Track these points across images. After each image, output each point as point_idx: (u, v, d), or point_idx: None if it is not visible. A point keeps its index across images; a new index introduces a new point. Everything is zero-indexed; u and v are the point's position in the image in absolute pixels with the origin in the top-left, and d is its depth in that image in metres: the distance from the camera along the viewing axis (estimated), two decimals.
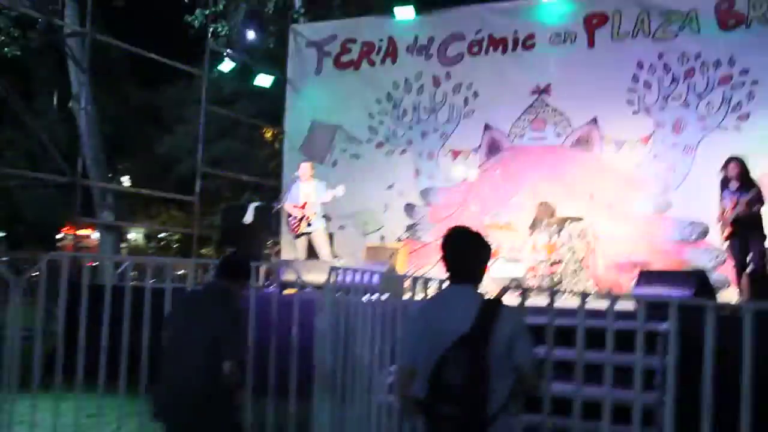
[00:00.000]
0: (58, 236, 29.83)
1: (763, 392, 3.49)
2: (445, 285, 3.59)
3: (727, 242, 9.23)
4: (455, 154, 13.10)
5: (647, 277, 8.78)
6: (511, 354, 3.25)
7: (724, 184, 9.20)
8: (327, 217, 11.94)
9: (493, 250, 11.60)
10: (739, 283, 8.97)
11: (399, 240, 12.70)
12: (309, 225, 11.16)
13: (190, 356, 4.45)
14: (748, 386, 3.52)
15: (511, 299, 4.16)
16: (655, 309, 4.74)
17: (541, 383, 3.47)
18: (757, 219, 9.03)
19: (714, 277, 9.82)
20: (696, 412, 3.64)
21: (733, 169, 9.05)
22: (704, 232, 11.01)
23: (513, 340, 3.26)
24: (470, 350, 3.17)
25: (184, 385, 4.44)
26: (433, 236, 12.75)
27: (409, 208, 13.24)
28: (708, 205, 10.20)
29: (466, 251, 3.52)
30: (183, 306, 4.94)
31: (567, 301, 7.15)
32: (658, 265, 10.86)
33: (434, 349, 3.21)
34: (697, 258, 11.04)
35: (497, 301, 3.43)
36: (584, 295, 4.23)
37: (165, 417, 4.59)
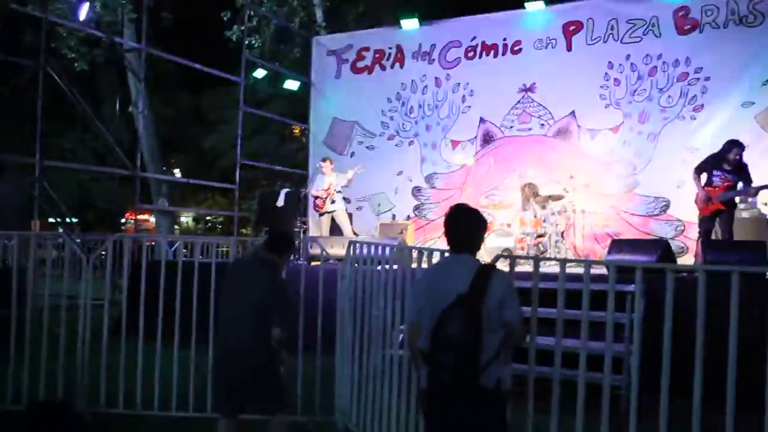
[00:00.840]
0: (122, 221, 30.03)
1: (714, 341, 3.47)
2: (447, 255, 3.60)
3: (706, 215, 8.80)
4: (455, 144, 13.07)
5: (618, 245, 8.75)
6: (502, 311, 3.27)
7: (718, 162, 8.72)
8: (347, 200, 12.04)
9: (486, 225, 11.56)
10: (696, 251, 8.87)
11: (408, 218, 12.73)
12: (333, 203, 11.33)
13: (242, 318, 4.41)
14: (701, 337, 3.51)
15: (502, 266, 4.16)
16: (625, 272, 4.72)
17: (526, 336, 3.47)
18: (734, 199, 8.87)
19: (674, 244, 9.80)
20: (658, 360, 3.62)
21: (736, 154, 8.56)
22: (666, 207, 11.01)
23: (503, 299, 3.28)
24: (467, 307, 3.20)
25: (237, 343, 4.41)
26: (436, 214, 12.79)
27: (416, 190, 13.24)
28: (669, 183, 10.16)
29: (466, 225, 3.54)
30: (234, 272, 4.78)
31: (550, 268, 7.16)
32: (627, 235, 10.85)
33: (436, 307, 3.25)
34: (660, 229, 11.03)
35: (491, 266, 3.45)
36: (563, 262, 4.21)
37: (222, 372, 4.59)
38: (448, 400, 3.30)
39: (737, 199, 9.85)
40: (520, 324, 3.36)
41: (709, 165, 8.82)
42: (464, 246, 3.50)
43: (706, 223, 8.86)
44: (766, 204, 10.06)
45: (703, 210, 8.83)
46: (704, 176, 8.81)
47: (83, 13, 13.14)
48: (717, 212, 8.71)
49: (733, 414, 3.36)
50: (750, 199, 9.91)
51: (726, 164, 8.64)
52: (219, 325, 4.71)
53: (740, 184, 8.61)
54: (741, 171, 8.62)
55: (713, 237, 8.85)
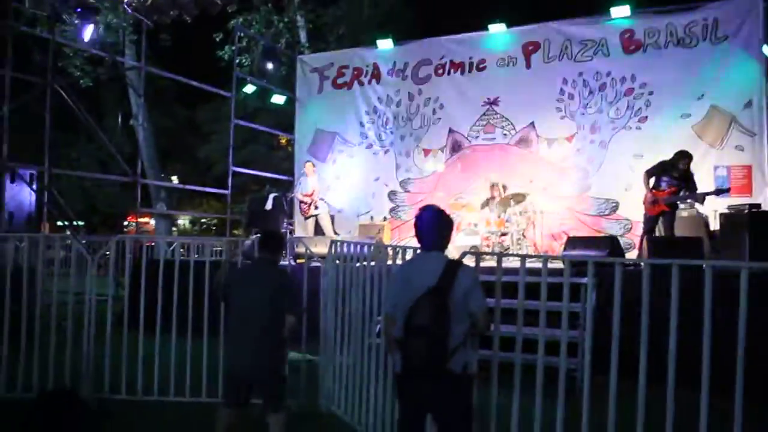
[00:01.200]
0: (124, 223, 29.72)
1: (657, 327, 3.51)
2: (418, 252, 3.61)
3: (652, 215, 8.96)
4: (426, 152, 13.06)
5: (573, 242, 8.82)
6: (467, 302, 3.28)
7: (667, 169, 8.87)
8: (329, 203, 12.04)
9: (455, 225, 11.63)
10: (641, 247, 8.98)
11: (384, 219, 12.74)
12: (316, 208, 11.42)
13: (254, 318, 4.27)
14: (647, 323, 3.55)
15: (469, 261, 4.17)
16: (579, 266, 4.75)
17: (490, 325, 3.49)
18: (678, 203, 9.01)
19: (623, 241, 9.89)
20: (608, 345, 3.66)
21: (685, 164, 8.78)
22: (615, 207, 11.09)
23: (469, 291, 3.30)
24: (436, 298, 3.22)
25: (251, 341, 4.26)
26: (410, 216, 12.78)
27: (392, 194, 13.22)
28: (618, 187, 10.26)
29: (434, 225, 3.54)
30: (242, 278, 4.62)
31: (512, 263, 7.19)
32: (581, 233, 10.89)
33: (409, 299, 3.27)
34: (610, 227, 11.11)
35: (458, 261, 3.47)
36: (524, 258, 4.24)
37: (235, 367, 4.44)
38: (419, 382, 3.31)
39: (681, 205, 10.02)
40: (484, 314, 3.37)
41: (658, 170, 8.98)
42: (433, 244, 3.52)
43: (650, 222, 9.01)
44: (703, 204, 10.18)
45: (650, 210, 8.96)
46: (653, 180, 8.95)
47: (87, 34, 12.99)
48: (661, 213, 8.85)
49: (673, 391, 3.40)
50: (688, 200, 10.05)
51: (675, 172, 8.84)
52: (230, 324, 4.56)
53: (682, 192, 8.83)
54: (688, 180, 8.83)
55: (657, 234, 8.96)
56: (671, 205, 8.80)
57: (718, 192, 8.88)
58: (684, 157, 8.85)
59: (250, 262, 5.03)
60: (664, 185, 8.83)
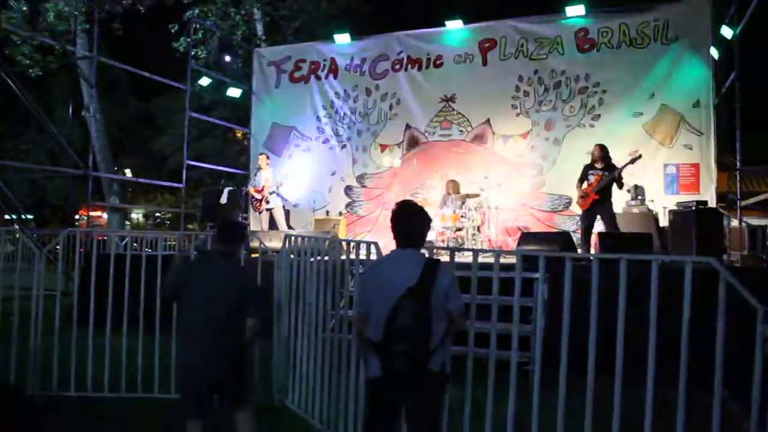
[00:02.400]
0: (76, 217, 29.05)
1: (605, 320, 3.57)
2: (393, 249, 3.51)
3: (584, 210, 9.21)
4: (383, 147, 13.08)
5: (527, 237, 8.92)
6: (447, 302, 3.26)
7: (591, 165, 9.20)
8: (282, 197, 11.98)
9: None
10: (587, 242, 9.12)
11: (340, 214, 12.72)
12: (267, 203, 11.36)
13: (213, 317, 3.83)
14: (595, 317, 3.61)
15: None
16: (532, 261, 4.80)
17: (466, 323, 3.45)
18: (611, 192, 9.13)
19: (576, 237, 10.02)
20: (560, 339, 3.71)
21: (597, 152, 9.13)
22: (568, 203, 11.28)
23: (448, 291, 3.28)
24: (417, 299, 3.17)
25: (212, 343, 3.83)
26: (367, 211, 12.81)
27: (348, 189, 13.20)
28: (571, 183, 10.36)
29: (411, 221, 3.47)
30: (195, 274, 4.05)
31: (466, 258, 7.24)
32: (535, 228, 11.07)
33: (387, 300, 3.20)
34: (563, 223, 11.31)
35: (437, 260, 3.41)
36: (476, 252, 4.26)
37: (193, 373, 3.93)
38: (399, 386, 3.26)
39: (629, 197, 10.21)
40: (462, 313, 3.37)
41: (584, 172, 9.27)
42: (410, 241, 3.45)
43: (585, 221, 9.24)
44: (652, 201, 10.43)
45: (582, 205, 9.22)
46: (585, 184, 9.16)
47: None
48: (593, 204, 9.05)
49: (621, 382, 3.47)
50: (639, 197, 10.27)
51: (597, 164, 9.14)
52: (183, 326, 4.03)
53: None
54: (611, 169, 9.04)
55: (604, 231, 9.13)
56: (600, 191, 8.99)
57: (632, 161, 9.10)
58: (595, 147, 9.27)
59: (204, 255, 4.43)
60: (591, 178, 9.13)
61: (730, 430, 3.32)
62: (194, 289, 3.93)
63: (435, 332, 3.19)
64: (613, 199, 9.27)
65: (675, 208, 9.53)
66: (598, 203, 9.01)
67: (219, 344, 3.84)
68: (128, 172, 29.58)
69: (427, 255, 3.49)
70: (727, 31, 10.53)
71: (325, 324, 5.12)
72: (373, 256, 4.77)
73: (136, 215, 36.90)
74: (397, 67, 13.07)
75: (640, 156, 9.35)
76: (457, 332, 3.47)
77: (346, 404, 4.68)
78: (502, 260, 4.28)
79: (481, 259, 4.29)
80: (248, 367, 4.18)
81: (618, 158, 9.42)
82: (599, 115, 11.37)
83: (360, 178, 13.16)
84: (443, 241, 10.60)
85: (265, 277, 6.21)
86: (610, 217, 8.99)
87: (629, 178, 9.62)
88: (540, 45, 11.87)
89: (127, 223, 31.69)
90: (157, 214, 36.11)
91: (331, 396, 4.91)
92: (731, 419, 3.34)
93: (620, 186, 9.12)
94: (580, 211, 10.66)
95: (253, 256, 7.96)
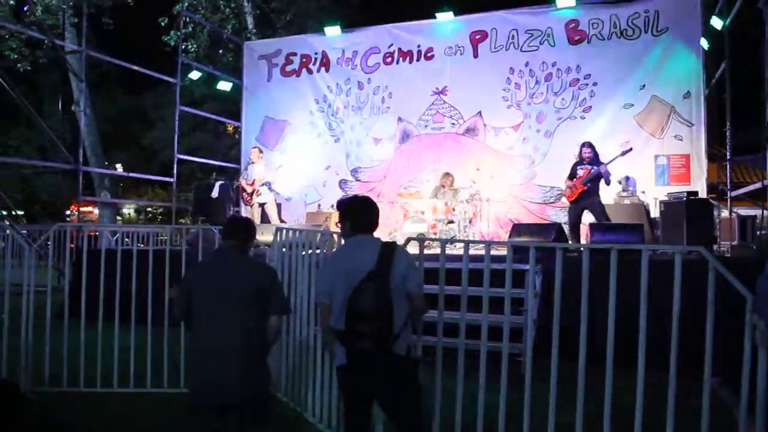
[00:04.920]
0: (66, 213, 28.94)
1: (597, 310, 3.59)
2: (350, 238, 3.55)
3: (571, 201, 9.30)
4: (376, 141, 13.06)
5: (518, 229, 8.94)
6: (405, 283, 3.30)
7: (578, 163, 9.28)
8: (275, 191, 11.96)
9: (403, 213, 11.57)
10: (576, 235, 9.17)
11: (332, 207, 12.69)
12: (259, 195, 11.37)
13: (231, 325, 3.40)
14: (586, 306, 3.62)
15: (413, 249, 4.19)
16: (523, 252, 4.81)
17: (426, 305, 3.47)
18: (598, 186, 9.20)
19: (567, 228, 10.04)
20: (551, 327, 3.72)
21: (586, 153, 9.17)
22: (560, 195, 11.24)
23: (406, 272, 3.33)
24: (377, 282, 3.23)
25: (229, 359, 3.36)
26: None
27: (343, 183, 13.19)
28: (562, 175, 10.39)
29: (370, 211, 3.56)
30: (207, 276, 3.59)
31: (459, 250, 7.25)
32: (527, 220, 11.07)
33: (348, 285, 3.25)
34: (555, 214, 11.34)
35: (393, 243, 3.48)
36: (467, 243, 4.27)
37: (209, 394, 3.42)
38: (365, 370, 3.29)
39: (620, 188, 10.25)
40: (420, 294, 3.40)
41: (573, 168, 9.35)
42: (367, 227, 3.52)
43: (572, 211, 9.32)
44: (644, 192, 10.47)
45: (569, 196, 9.30)
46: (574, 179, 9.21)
47: None
48: (581, 195, 9.11)
49: (612, 370, 3.49)
50: (630, 188, 10.30)
51: (585, 162, 9.20)
52: (196, 336, 3.55)
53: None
54: (598, 163, 9.12)
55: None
56: (589, 183, 9.05)
57: (624, 153, 9.22)
58: (582, 146, 9.32)
59: (214, 255, 3.86)
60: (580, 172, 9.20)
61: (720, 417, 3.34)
62: (205, 292, 3.50)
63: (397, 315, 3.24)
64: (605, 191, 9.33)
65: (666, 198, 9.54)
66: (585, 195, 9.07)
67: (242, 356, 3.39)
68: (119, 167, 29.48)
69: (382, 240, 3.51)
70: (717, 22, 10.58)
71: (315, 317, 5.12)
72: None
73: (128, 210, 36.81)
74: (389, 60, 13.05)
75: (630, 149, 9.40)
76: (420, 314, 3.49)
77: (339, 396, 4.68)
78: (494, 252, 4.29)
79: (472, 251, 4.30)
80: (268, 378, 3.66)
81: (609, 149, 9.48)
82: (590, 107, 11.39)
83: (354, 172, 13.15)
84: (435, 233, 10.60)
85: None
86: (599, 208, 9.06)
87: (620, 167, 9.65)
88: (531, 37, 11.86)
89: (119, 218, 31.60)
90: (149, 209, 36.03)
91: (323, 388, 4.93)
92: (721, 406, 3.36)
93: (608, 183, 9.24)
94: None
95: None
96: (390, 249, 3.38)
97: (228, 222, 3.90)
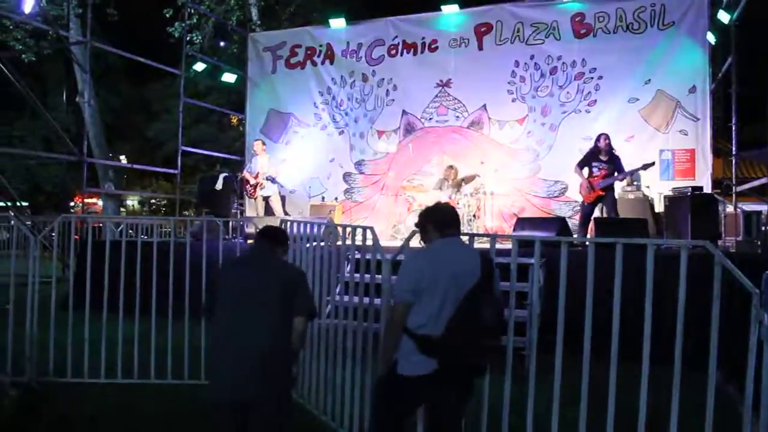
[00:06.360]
0: (71, 204, 29.00)
1: (602, 305, 3.58)
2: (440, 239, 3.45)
3: (588, 202, 9.25)
4: (380, 133, 13.03)
5: (523, 223, 8.94)
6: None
7: (595, 155, 9.22)
8: (279, 184, 11.97)
9: (407, 205, 11.58)
10: (585, 228, 9.17)
11: (336, 200, 12.70)
12: (262, 188, 11.39)
13: (259, 326, 3.34)
14: (591, 301, 3.61)
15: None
16: (528, 246, 4.81)
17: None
18: (614, 186, 9.25)
19: (572, 223, 10.05)
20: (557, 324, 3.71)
21: (603, 141, 9.13)
22: (564, 189, 11.28)
23: (497, 281, 3.37)
24: (489, 294, 3.21)
25: (253, 360, 3.29)
26: (364, 197, 12.80)
27: (347, 175, 13.15)
28: (567, 169, 10.40)
29: (451, 211, 3.56)
30: (233, 270, 3.64)
31: None
32: (531, 214, 11.06)
33: (457, 288, 3.16)
34: (559, 208, 11.31)
35: (488, 252, 3.58)
36: (471, 237, 4.26)
37: (229, 397, 3.35)
38: (462, 382, 3.25)
39: (624, 183, 10.22)
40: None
41: (587, 159, 9.32)
42: (455, 228, 3.46)
43: (586, 209, 9.32)
44: (648, 186, 10.45)
45: (587, 197, 9.24)
46: (586, 170, 9.20)
47: (28, 5, 12.55)
48: (597, 199, 9.16)
49: (616, 365, 3.48)
50: (635, 183, 10.29)
51: (601, 155, 9.17)
52: (218, 336, 3.45)
53: (615, 173, 9.13)
54: (614, 161, 9.15)
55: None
56: (606, 188, 9.08)
57: (645, 167, 9.11)
58: (600, 135, 9.28)
59: (241, 255, 3.96)
60: (596, 171, 9.18)
61: (725, 413, 3.34)
62: (231, 290, 3.46)
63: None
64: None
65: (670, 193, 9.55)
66: (601, 198, 9.14)
67: (258, 349, 3.31)
68: (123, 159, 29.51)
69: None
70: (724, 16, 10.52)
71: (321, 311, 5.12)
72: (369, 242, 4.77)
73: (132, 202, 36.86)
74: (393, 52, 13.01)
75: (653, 163, 9.26)
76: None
77: (343, 389, 4.69)
78: (498, 246, 4.28)
79: (476, 244, 4.29)
80: (289, 380, 3.54)
81: (614, 144, 9.42)
82: (595, 101, 11.34)
83: (358, 164, 13.12)
84: None
85: None
86: (611, 207, 9.12)
87: (623, 162, 9.62)
88: (536, 30, 11.80)
89: (123, 209, 31.66)
90: (153, 201, 36.07)
91: (327, 381, 4.93)
92: (726, 402, 3.35)
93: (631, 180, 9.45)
94: (576, 197, 10.73)
95: (249, 241, 7.97)
96: (489, 259, 3.40)
97: (264, 229, 3.85)
